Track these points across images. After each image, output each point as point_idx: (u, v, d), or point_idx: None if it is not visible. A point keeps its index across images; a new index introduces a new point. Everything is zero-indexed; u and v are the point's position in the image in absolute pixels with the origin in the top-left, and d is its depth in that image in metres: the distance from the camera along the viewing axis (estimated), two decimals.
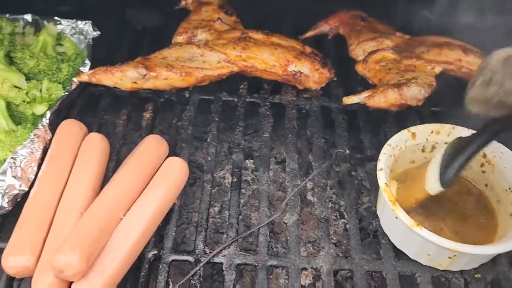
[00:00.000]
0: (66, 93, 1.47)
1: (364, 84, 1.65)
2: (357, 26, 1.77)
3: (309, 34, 1.86)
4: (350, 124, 1.56)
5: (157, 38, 1.82)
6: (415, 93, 1.38)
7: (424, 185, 1.17)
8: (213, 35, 1.64)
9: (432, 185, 1.16)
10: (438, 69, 1.54)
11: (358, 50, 1.68)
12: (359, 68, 1.61)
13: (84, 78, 1.49)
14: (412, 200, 1.21)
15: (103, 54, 1.69)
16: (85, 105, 1.56)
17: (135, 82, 1.47)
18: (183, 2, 1.86)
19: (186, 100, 1.60)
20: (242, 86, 1.65)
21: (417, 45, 1.63)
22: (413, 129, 1.27)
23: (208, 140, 1.48)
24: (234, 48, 1.55)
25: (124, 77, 1.45)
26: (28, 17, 1.72)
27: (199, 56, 1.55)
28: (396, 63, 1.53)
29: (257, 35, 1.61)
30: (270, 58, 1.54)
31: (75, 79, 1.52)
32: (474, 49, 1.63)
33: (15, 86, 1.45)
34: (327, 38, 1.86)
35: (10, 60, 1.53)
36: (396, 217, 1.12)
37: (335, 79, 1.64)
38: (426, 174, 1.16)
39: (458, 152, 1.12)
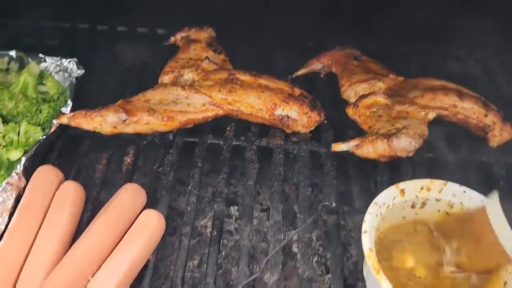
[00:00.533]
0: (44, 136, 1.43)
1: (355, 127, 1.59)
2: (350, 66, 1.71)
3: (300, 72, 1.80)
4: (339, 171, 1.49)
5: (145, 76, 1.78)
6: (405, 145, 1.32)
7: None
8: (200, 75, 1.59)
9: None
10: (432, 115, 1.47)
11: (350, 91, 1.62)
12: (350, 112, 1.55)
13: (64, 121, 1.44)
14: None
15: (87, 92, 1.65)
16: (65, 148, 1.51)
17: (115, 127, 1.42)
18: (172, 39, 1.82)
19: (170, 143, 1.54)
20: (228, 128, 1.59)
21: (410, 88, 1.57)
22: (401, 185, 1.20)
23: (190, 187, 1.42)
24: (220, 90, 1.49)
25: (104, 122, 1.40)
26: (13, 53, 1.69)
27: (184, 98, 1.49)
28: (388, 109, 1.47)
29: (245, 77, 1.55)
30: (257, 101, 1.49)
31: (55, 121, 1.47)
32: (471, 93, 1.57)
33: None
34: (319, 76, 1.81)
35: None
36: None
37: (325, 121, 1.58)
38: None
39: None
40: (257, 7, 1.94)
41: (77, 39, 1.96)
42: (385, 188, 1.23)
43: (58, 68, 1.66)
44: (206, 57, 1.64)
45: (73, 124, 1.44)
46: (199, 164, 1.48)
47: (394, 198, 1.20)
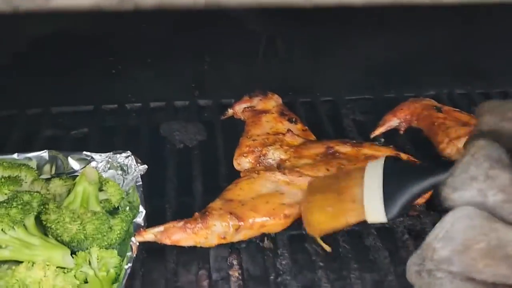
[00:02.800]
0: (130, 264, 1.09)
1: None
2: (437, 119, 1.55)
3: (378, 131, 1.61)
4: None
5: (206, 158, 1.50)
6: None
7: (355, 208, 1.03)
8: (289, 152, 1.34)
9: (374, 215, 1.00)
10: None
11: (452, 148, 1.45)
12: None
13: (149, 237, 1.12)
14: (342, 221, 1.07)
15: (153, 193, 1.34)
16: (147, 271, 1.18)
17: (224, 237, 1.12)
18: (230, 111, 1.56)
19: (273, 240, 1.26)
20: None
21: None
22: None
23: None
24: (327, 170, 1.26)
25: (211, 234, 1.10)
26: (45, 154, 1.34)
27: (285, 185, 1.23)
28: None
29: (345, 148, 1.33)
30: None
31: (133, 239, 1.14)
32: None
33: (59, 267, 1.05)
34: (397, 133, 1.63)
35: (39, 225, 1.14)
36: None
37: None
38: (364, 200, 1.02)
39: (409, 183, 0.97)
40: None
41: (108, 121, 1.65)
42: None
43: (108, 166, 1.34)
44: (289, 130, 1.40)
45: (167, 242, 1.12)
46: (320, 263, 1.21)
47: None
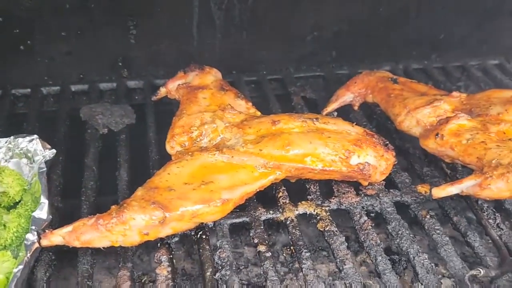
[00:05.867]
0: (21, 267, 0.86)
1: (434, 164, 1.27)
2: (393, 91, 1.40)
3: (331, 107, 1.44)
4: (444, 223, 1.15)
5: (134, 143, 1.29)
6: None
7: None
8: (229, 130, 1.15)
9: None
10: None
11: (410, 121, 1.29)
12: (430, 145, 1.22)
13: (56, 240, 0.90)
14: None
15: (63, 183, 1.12)
16: (56, 277, 0.96)
17: (146, 234, 0.91)
18: (163, 90, 1.34)
19: (212, 232, 1.07)
20: (280, 194, 1.16)
21: (484, 104, 1.30)
22: None
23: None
24: (274, 145, 1.07)
25: (130, 230, 0.89)
26: None
27: (226, 167, 1.04)
28: (484, 133, 1.17)
29: (294, 122, 1.15)
30: (325, 151, 1.09)
31: (30, 237, 0.91)
32: None
33: None
34: (351, 109, 1.47)
35: None
36: None
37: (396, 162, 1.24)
38: None
39: None
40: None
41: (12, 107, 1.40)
42: None
43: (11, 153, 1.10)
44: (228, 105, 1.21)
45: (77, 244, 0.90)
46: (267, 254, 1.02)
47: None
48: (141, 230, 0.90)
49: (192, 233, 1.05)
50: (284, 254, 1.23)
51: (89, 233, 0.89)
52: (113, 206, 0.94)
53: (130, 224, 0.89)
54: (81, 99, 1.46)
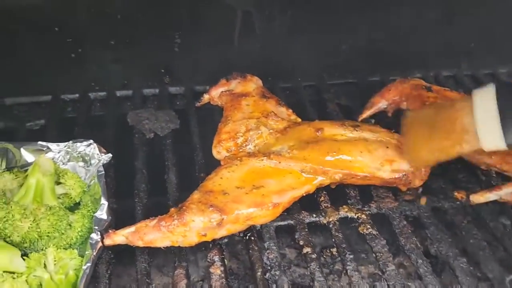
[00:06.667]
0: (89, 264, 0.93)
1: (468, 169, 1.32)
2: (428, 99, 1.43)
3: (366, 114, 1.49)
4: (480, 228, 1.19)
5: (180, 147, 1.35)
6: None
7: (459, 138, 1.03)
8: (273, 136, 1.21)
9: (491, 141, 0.98)
10: None
11: None
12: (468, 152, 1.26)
13: (119, 239, 0.97)
14: (452, 152, 1.07)
15: (119, 185, 1.18)
16: (116, 274, 1.02)
17: (204, 235, 0.97)
18: (206, 97, 1.41)
19: (259, 234, 1.12)
20: (322, 199, 1.21)
21: None
22: None
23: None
24: (320, 152, 1.12)
25: (190, 231, 0.95)
26: None
27: (273, 173, 1.09)
28: None
29: (335, 128, 1.20)
30: (368, 159, 1.14)
31: (94, 236, 0.98)
32: None
33: (6, 272, 0.88)
34: (386, 116, 1.52)
35: None
36: None
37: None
38: (476, 126, 1.00)
39: None
40: None
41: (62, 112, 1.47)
42: None
43: (68, 156, 1.17)
44: (272, 112, 1.27)
45: (140, 243, 0.96)
46: (312, 256, 1.08)
47: None
48: (200, 232, 0.97)
49: (241, 235, 1.11)
50: (324, 256, 1.28)
51: (151, 234, 0.96)
52: (172, 209, 1.00)
53: (190, 226, 0.95)
54: (125, 105, 1.53)
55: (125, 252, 1.06)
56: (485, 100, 1.01)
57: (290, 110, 1.34)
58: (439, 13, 1.65)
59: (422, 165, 1.18)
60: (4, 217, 0.95)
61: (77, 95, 1.50)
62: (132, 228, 0.97)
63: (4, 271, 0.87)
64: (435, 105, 1.31)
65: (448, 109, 1.10)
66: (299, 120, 1.32)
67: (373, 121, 1.45)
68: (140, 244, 0.96)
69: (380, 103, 1.53)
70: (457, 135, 1.05)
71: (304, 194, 1.11)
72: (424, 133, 1.13)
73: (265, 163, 1.11)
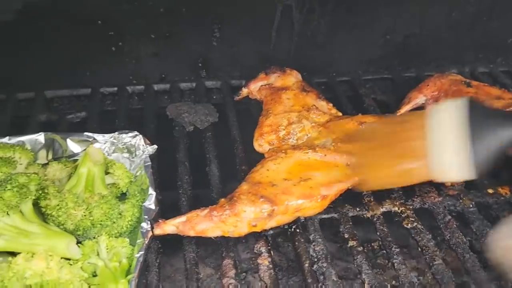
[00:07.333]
0: (142, 252, 0.94)
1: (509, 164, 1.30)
2: (467, 94, 1.42)
3: (404, 109, 1.47)
4: None
5: (220, 140, 1.36)
6: None
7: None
8: (316, 129, 1.21)
9: (456, 171, 0.85)
10: None
11: None
12: None
13: (170, 229, 0.97)
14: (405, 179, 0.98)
15: (165, 177, 1.19)
16: (164, 263, 1.03)
17: (255, 225, 0.98)
18: (245, 90, 1.41)
19: (303, 225, 1.12)
20: (365, 193, 1.21)
21: None
22: None
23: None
24: (362, 146, 1.12)
25: (241, 221, 0.96)
26: (40, 137, 1.18)
27: (319, 165, 1.10)
28: None
29: (379, 123, 1.20)
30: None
31: (144, 225, 0.99)
32: None
33: (63, 258, 0.89)
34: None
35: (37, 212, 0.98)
36: None
37: None
38: (431, 149, 0.86)
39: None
40: None
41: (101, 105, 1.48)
42: None
43: (114, 147, 1.18)
44: (313, 105, 1.27)
45: (191, 233, 0.97)
46: (358, 249, 1.07)
47: None
48: (250, 222, 0.97)
49: (286, 227, 1.11)
50: (365, 250, 1.27)
51: (203, 223, 0.96)
52: (222, 199, 1.01)
53: (241, 216, 0.96)
54: (162, 98, 1.54)
55: (172, 242, 1.08)
56: (443, 119, 0.87)
57: (331, 104, 1.34)
58: (475, 8, 1.64)
59: (371, 189, 1.11)
60: (58, 205, 0.96)
61: (115, 88, 1.51)
62: (183, 218, 0.98)
63: (61, 258, 0.88)
64: (391, 120, 1.18)
65: (403, 128, 0.99)
66: (340, 114, 1.32)
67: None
68: (191, 233, 0.97)
69: (418, 99, 1.52)
70: (410, 160, 0.93)
71: (350, 187, 1.11)
72: (377, 154, 1.02)
73: (310, 155, 1.11)
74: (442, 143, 0.86)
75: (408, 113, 1.11)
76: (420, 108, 1.53)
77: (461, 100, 0.90)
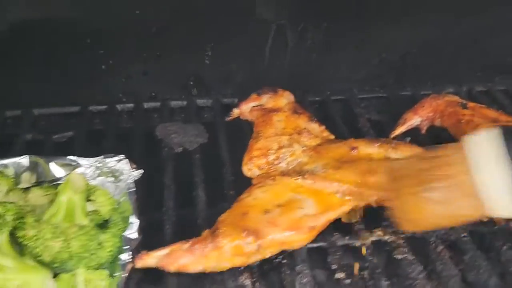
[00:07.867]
0: (121, 285, 0.91)
1: None
2: (463, 117, 1.39)
3: (399, 130, 1.45)
4: None
5: (209, 162, 1.33)
6: None
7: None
8: (306, 154, 1.18)
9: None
10: None
11: None
12: None
13: (151, 262, 0.94)
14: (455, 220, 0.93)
15: (149, 202, 1.16)
16: None
17: (237, 260, 0.94)
18: (236, 111, 1.39)
19: (290, 257, 1.09)
20: (354, 221, 1.18)
21: None
22: None
23: None
24: (355, 172, 1.09)
25: (221, 255, 0.92)
26: (25, 160, 1.15)
27: (307, 192, 1.06)
28: None
29: (371, 147, 1.17)
30: None
31: (124, 257, 0.96)
32: None
33: None
34: (419, 133, 1.48)
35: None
36: None
37: None
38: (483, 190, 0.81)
39: None
40: None
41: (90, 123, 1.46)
42: None
43: (98, 172, 1.16)
44: (305, 128, 1.24)
45: (172, 268, 0.94)
46: (346, 281, 1.04)
47: None
48: (234, 256, 0.94)
49: (272, 257, 1.08)
50: (354, 281, 1.24)
51: (185, 257, 0.93)
52: (205, 231, 0.98)
53: (224, 250, 0.93)
54: (152, 117, 1.52)
55: (154, 272, 1.04)
56: (482, 152, 0.81)
57: (323, 127, 1.31)
58: (473, 26, 1.61)
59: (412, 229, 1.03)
60: (35, 236, 0.93)
61: (104, 106, 1.49)
62: (166, 250, 0.95)
63: None
64: (423, 153, 1.10)
65: (437, 160, 0.90)
66: (332, 137, 1.29)
67: (408, 139, 1.41)
68: (172, 269, 0.94)
69: (413, 120, 1.49)
70: (457, 199, 0.85)
71: (339, 216, 1.08)
72: (414, 192, 0.91)
73: (299, 183, 1.08)
74: (492, 178, 0.82)
75: (435, 147, 1.01)
76: (416, 129, 1.51)
77: (497, 129, 0.85)
